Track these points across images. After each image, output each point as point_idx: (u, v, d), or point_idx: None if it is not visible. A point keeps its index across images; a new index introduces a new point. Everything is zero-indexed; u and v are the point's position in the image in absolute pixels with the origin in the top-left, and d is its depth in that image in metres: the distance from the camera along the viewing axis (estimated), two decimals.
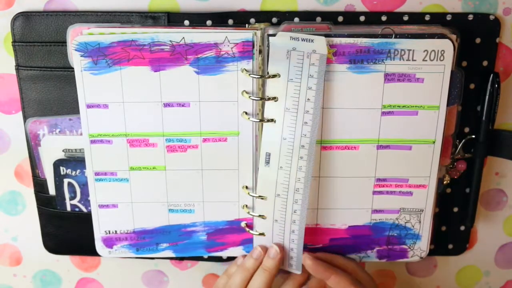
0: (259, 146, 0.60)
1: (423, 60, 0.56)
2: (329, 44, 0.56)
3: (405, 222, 0.64)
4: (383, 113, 0.59)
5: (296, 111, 0.57)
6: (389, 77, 0.57)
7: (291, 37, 0.55)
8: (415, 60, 0.56)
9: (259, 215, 0.61)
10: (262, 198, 0.61)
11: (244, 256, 0.65)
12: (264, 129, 0.59)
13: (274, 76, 0.57)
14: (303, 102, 0.57)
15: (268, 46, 0.56)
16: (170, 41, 0.57)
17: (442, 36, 0.56)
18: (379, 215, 0.63)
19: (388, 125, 0.59)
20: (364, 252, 0.65)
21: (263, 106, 0.59)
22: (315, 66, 0.55)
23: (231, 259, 0.67)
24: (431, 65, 0.57)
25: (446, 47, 0.56)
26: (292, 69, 0.56)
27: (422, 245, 0.65)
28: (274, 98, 0.57)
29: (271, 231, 0.62)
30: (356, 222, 0.64)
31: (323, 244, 0.65)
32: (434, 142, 0.60)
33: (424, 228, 0.64)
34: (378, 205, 0.63)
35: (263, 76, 0.57)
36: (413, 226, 0.64)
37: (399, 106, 0.58)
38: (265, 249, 0.62)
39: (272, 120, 0.58)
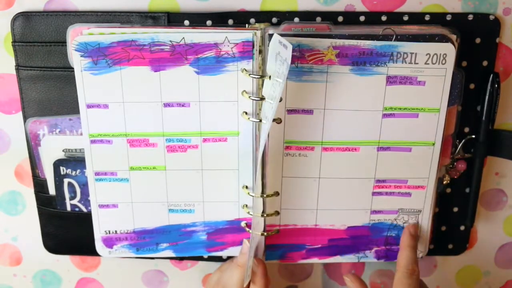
0: (259, 146, 0.60)
1: (425, 63, 0.56)
2: (332, 46, 0.56)
3: (404, 223, 0.64)
4: (384, 115, 0.59)
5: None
6: (391, 80, 0.57)
7: (279, 40, 0.54)
8: (417, 63, 0.56)
9: (248, 212, 0.62)
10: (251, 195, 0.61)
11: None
12: (262, 128, 0.59)
13: (267, 77, 0.57)
14: (274, 109, 0.55)
15: (269, 46, 0.56)
16: (170, 41, 0.57)
17: (442, 37, 0.56)
18: (378, 215, 0.63)
19: (389, 127, 0.59)
20: (362, 252, 0.65)
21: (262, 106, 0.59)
22: (283, 74, 0.53)
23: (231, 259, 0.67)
24: (433, 68, 0.57)
25: (448, 51, 0.56)
26: (276, 73, 0.56)
27: (421, 246, 0.65)
28: (264, 99, 0.58)
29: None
30: (355, 222, 0.64)
31: (322, 244, 0.65)
32: (433, 144, 0.60)
33: (423, 228, 0.64)
34: (377, 206, 0.63)
35: (263, 76, 0.57)
36: None
37: (400, 109, 0.58)
38: None
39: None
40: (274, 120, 0.58)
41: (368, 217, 0.63)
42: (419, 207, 0.63)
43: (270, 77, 0.56)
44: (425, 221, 0.64)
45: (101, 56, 0.57)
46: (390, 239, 0.65)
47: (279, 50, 0.54)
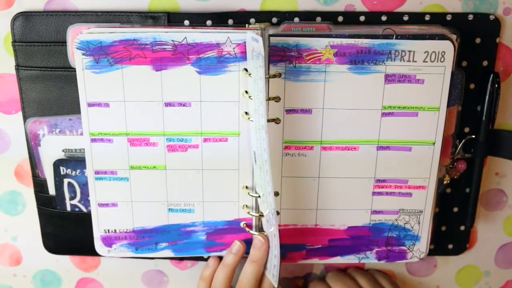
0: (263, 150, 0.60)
1: (424, 61, 0.56)
2: (330, 45, 0.56)
3: (404, 223, 0.64)
4: (383, 114, 0.59)
5: (258, 112, 0.56)
6: (389, 78, 0.57)
7: (252, 37, 0.54)
8: (415, 61, 0.56)
9: (259, 214, 0.62)
10: (259, 196, 0.61)
11: (217, 257, 0.65)
12: (250, 127, 0.59)
13: (274, 76, 0.57)
14: (259, 103, 0.55)
15: (269, 46, 0.56)
16: (172, 40, 0.57)
17: (442, 36, 0.56)
18: (378, 216, 0.63)
19: (388, 126, 0.59)
20: (363, 253, 0.65)
21: None
22: (260, 68, 0.53)
23: None
24: (431, 66, 0.57)
25: (447, 48, 0.56)
26: (253, 70, 0.56)
27: (421, 246, 0.65)
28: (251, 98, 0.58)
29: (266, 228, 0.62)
30: (355, 222, 0.64)
31: (322, 245, 0.65)
32: (434, 143, 0.60)
33: (423, 229, 0.64)
34: (378, 206, 0.63)
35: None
36: (412, 227, 0.64)
37: (399, 107, 0.58)
38: (243, 244, 0.63)
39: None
40: (273, 120, 0.58)
41: (368, 217, 0.63)
42: (420, 207, 0.63)
43: (250, 74, 0.56)
44: (426, 221, 0.64)
45: (102, 54, 0.57)
46: (391, 239, 0.65)
47: (253, 46, 0.54)
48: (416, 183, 0.62)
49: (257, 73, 0.54)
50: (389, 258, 0.66)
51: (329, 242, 0.65)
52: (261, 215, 0.62)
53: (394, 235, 0.64)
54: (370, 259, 0.66)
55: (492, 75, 0.61)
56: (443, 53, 0.56)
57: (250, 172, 0.61)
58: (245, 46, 0.57)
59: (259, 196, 0.61)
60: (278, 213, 0.63)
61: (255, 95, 0.56)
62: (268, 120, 0.58)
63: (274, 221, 0.58)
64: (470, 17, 0.59)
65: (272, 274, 0.61)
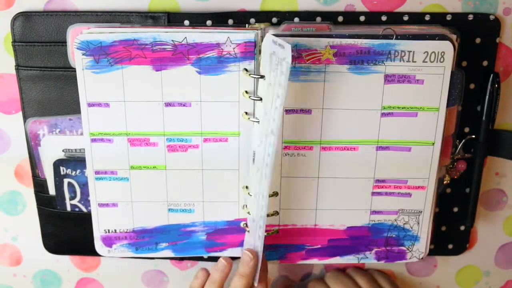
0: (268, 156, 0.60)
1: (423, 61, 0.56)
2: (330, 45, 0.56)
3: (404, 224, 0.64)
4: (383, 114, 0.59)
5: (268, 116, 0.56)
6: (389, 78, 0.57)
7: (273, 40, 0.54)
8: (415, 62, 0.56)
9: (248, 212, 0.62)
10: (250, 195, 0.61)
11: (205, 269, 0.65)
12: (253, 128, 0.59)
13: (263, 76, 0.57)
14: (273, 108, 0.55)
15: (261, 47, 0.56)
16: (172, 40, 0.57)
17: (442, 37, 0.56)
18: (377, 216, 0.63)
19: (388, 126, 0.59)
20: (362, 253, 0.65)
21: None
22: (283, 74, 0.53)
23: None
24: (431, 66, 0.57)
25: (446, 48, 0.56)
26: (271, 73, 0.56)
27: (421, 247, 0.65)
28: (261, 99, 0.58)
29: (253, 228, 0.62)
30: (354, 223, 0.64)
31: (322, 245, 0.65)
32: (433, 143, 0.60)
33: (423, 229, 0.64)
34: (377, 206, 0.63)
35: (263, 76, 0.57)
36: (411, 228, 0.64)
37: (398, 108, 0.58)
38: (228, 261, 0.63)
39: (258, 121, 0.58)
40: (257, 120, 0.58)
41: (367, 217, 0.63)
42: (419, 207, 0.63)
43: (263, 76, 0.56)
44: (426, 221, 0.64)
45: (102, 54, 0.57)
46: (390, 240, 0.65)
47: (274, 50, 0.54)
48: (416, 183, 0.62)
49: (276, 78, 0.54)
50: (388, 258, 0.66)
51: (328, 242, 0.65)
52: (249, 212, 0.61)
53: (394, 235, 0.64)
54: (369, 259, 0.66)
55: (492, 75, 0.61)
56: (442, 54, 0.56)
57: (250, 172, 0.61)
58: (245, 46, 0.57)
59: (250, 195, 0.61)
60: (277, 213, 0.63)
61: (267, 98, 0.56)
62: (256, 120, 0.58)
63: (262, 223, 0.58)
64: (470, 17, 0.59)
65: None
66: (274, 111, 0.54)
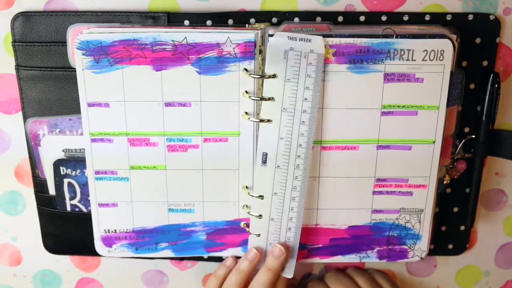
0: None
1: (423, 60, 0.56)
2: (329, 44, 0.56)
3: (405, 222, 0.64)
4: (383, 113, 0.59)
5: (293, 111, 0.57)
6: (388, 77, 0.57)
7: (288, 37, 0.55)
8: (414, 60, 0.56)
9: (258, 215, 0.61)
10: (261, 198, 0.60)
11: (235, 257, 0.65)
12: (260, 129, 0.59)
13: (271, 76, 0.57)
14: (300, 101, 0.57)
15: (268, 47, 0.56)
16: (172, 40, 0.57)
17: (442, 36, 0.56)
18: (379, 215, 0.63)
19: (388, 125, 0.59)
20: (364, 252, 0.65)
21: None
22: (312, 65, 0.55)
23: None
24: (430, 65, 0.57)
25: (446, 47, 0.56)
26: (290, 69, 0.56)
27: (422, 245, 0.65)
28: (271, 99, 0.57)
29: (266, 231, 0.62)
30: (356, 222, 0.64)
31: (323, 244, 0.65)
32: (434, 142, 0.60)
33: (424, 228, 0.64)
34: (378, 205, 0.63)
35: (263, 76, 0.57)
36: (413, 226, 0.64)
37: (398, 106, 0.58)
38: (260, 251, 0.62)
39: (269, 121, 0.58)
40: (268, 120, 0.58)
41: (369, 216, 0.63)
42: (421, 206, 0.63)
43: (271, 76, 0.56)
44: (427, 220, 0.64)
45: (102, 54, 0.57)
46: (392, 239, 0.65)
47: (291, 46, 0.54)
48: (417, 182, 0.62)
49: (301, 71, 0.55)
50: (390, 257, 0.66)
51: (330, 241, 0.65)
52: (259, 216, 0.61)
53: (395, 234, 0.64)
54: (371, 258, 0.66)
55: (492, 75, 0.61)
56: (442, 52, 0.56)
57: (251, 172, 0.61)
58: (245, 46, 0.57)
59: (262, 198, 0.61)
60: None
61: (286, 94, 0.56)
62: (261, 121, 0.58)
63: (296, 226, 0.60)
64: (470, 17, 0.60)
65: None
66: (303, 102, 0.55)
